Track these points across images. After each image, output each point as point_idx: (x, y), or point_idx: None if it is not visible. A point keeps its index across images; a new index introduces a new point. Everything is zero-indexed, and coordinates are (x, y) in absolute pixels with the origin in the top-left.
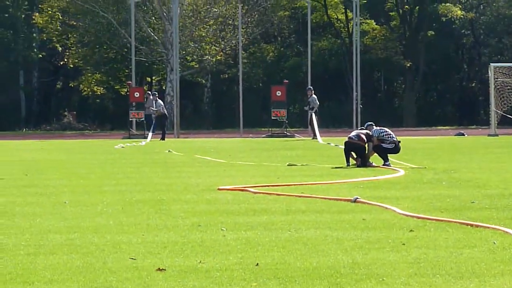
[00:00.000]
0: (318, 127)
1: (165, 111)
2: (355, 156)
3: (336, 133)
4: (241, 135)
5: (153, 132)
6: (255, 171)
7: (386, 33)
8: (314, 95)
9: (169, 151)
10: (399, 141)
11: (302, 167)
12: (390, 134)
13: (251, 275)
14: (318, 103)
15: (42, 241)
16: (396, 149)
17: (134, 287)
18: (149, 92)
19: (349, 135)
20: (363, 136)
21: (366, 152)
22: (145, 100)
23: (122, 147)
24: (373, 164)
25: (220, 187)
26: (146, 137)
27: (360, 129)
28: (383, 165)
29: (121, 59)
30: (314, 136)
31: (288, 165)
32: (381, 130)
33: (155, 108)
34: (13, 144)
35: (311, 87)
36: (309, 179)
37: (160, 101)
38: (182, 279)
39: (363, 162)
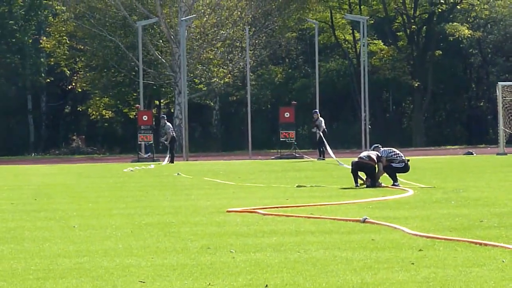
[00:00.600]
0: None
1: (174, 133)
2: (364, 177)
3: (344, 153)
4: (250, 157)
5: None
6: (264, 193)
7: (393, 53)
8: (320, 118)
9: (178, 174)
10: (408, 160)
11: (311, 188)
12: (398, 154)
13: None
14: (324, 125)
15: (51, 266)
16: (405, 168)
17: None
18: (164, 116)
19: (359, 156)
20: (374, 157)
21: (376, 172)
22: (163, 124)
23: (131, 170)
24: (382, 184)
25: (229, 209)
26: (154, 160)
27: (369, 151)
28: (392, 185)
29: (129, 82)
30: (320, 157)
31: (297, 186)
32: (389, 151)
33: (166, 129)
34: (22, 169)
35: (317, 110)
36: (318, 200)
37: (168, 123)
38: None
39: (373, 182)
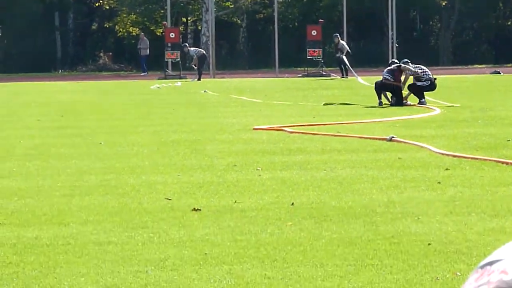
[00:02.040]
0: (351, 67)
1: (202, 52)
2: (390, 96)
3: (372, 72)
4: (276, 74)
5: (145, 71)
6: (291, 111)
7: None
8: (341, 41)
9: (205, 91)
10: (435, 78)
11: (338, 106)
12: (425, 72)
13: (286, 214)
14: (347, 47)
15: (77, 183)
16: (432, 86)
17: (170, 227)
18: (186, 44)
19: (383, 75)
20: (398, 74)
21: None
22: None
23: (158, 87)
24: (409, 102)
25: (256, 127)
26: (182, 78)
27: (389, 65)
28: (419, 103)
29: (157, 0)
30: (343, 75)
31: (324, 104)
32: (417, 68)
33: (192, 55)
34: (48, 86)
35: (337, 34)
36: (344, 118)
37: (192, 48)
38: (217, 219)
39: (398, 101)
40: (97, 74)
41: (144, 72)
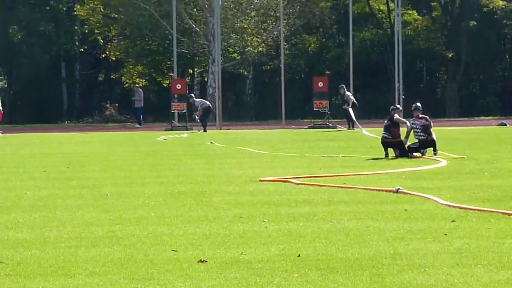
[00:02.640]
0: (358, 118)
1: (208, 104)
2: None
3: (378, 123)
4: (283, 126)
5: (140, 124)
6: (297, 162)
7: (428, 24)
8: (347, 92)
9: (211, 142)
10: (429, 135)
11: (344, 158)
12: (418, 132)
13: (293, 266)
14: (353, 98)
15: (83, 234)
16: (421, 147)
17: (176, 279)
18: (192, 95)
19: (382, 134)
20: (395, 130)
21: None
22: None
23: (164, 139)
24: (415, 154)
25: (262, 178)
26: (188, 129)
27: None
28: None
29: (163, 51)
30: (350, 127)
31: (322, 156)
32: (413, 124)
33: (196, 106)
34: (55, 137)
35: (343, 85)
36: (351, 170)
37: (198, 99)
38: (224, 271)
39: (403, 153)
40: (103, 125)
41: (139, 124)
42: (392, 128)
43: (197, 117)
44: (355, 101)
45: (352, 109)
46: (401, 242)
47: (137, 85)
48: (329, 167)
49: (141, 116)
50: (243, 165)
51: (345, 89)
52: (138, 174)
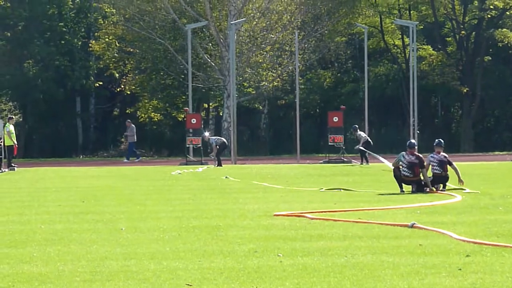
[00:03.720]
0: (376, 152)
1: (223, 139)
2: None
3: (393, 158)
4: (298, 161)
5: (127, 159)
6: (312, 197)
7: (442, 59)
8: (359, 132)
9: (226, 177)
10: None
11: (359, 192)
12: (435, 166)
13: None
14: (366, 136)
15: (98, 268)
16: (436, 181)
17: None
18: (205, 135)
19: (403, 170)
20: (418, 169)
21: (422, 178)
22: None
23: (179, 173)
24: (428, 189)
25: (277, 213)
26: (203, 164)
27: (408, 153)
28: (441, 190)
29: (178, 85)
30: (362, 162)
31: (320, 189)
32: (431, 159)
33: (211, 143)
34: (69, 171)
35: (356, 126)
36: (365, 205)
37: (212, 137)
38: None
39: (420, 188)
40: (118, 159)
41: (128, 159)
42: (416, 167)
43: (212, 156)
44: (369, 139)
45: (367, 146)
46: (415, 277)
47: (128, 120)
48: (344, 202)
49: (133, 152)
50: (258, 200)
51: (357, 130)
52: (152, 209)
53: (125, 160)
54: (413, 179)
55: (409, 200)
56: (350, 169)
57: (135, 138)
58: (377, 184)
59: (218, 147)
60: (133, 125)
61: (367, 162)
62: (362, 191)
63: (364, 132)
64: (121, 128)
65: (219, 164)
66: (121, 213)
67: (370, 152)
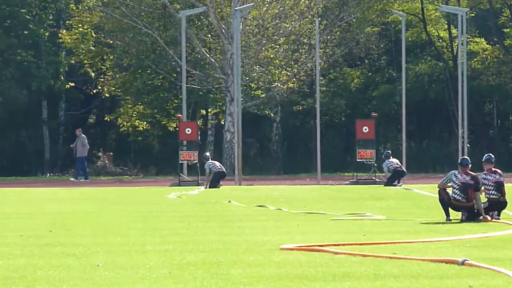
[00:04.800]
0: (411, 172)
1: (218, 167)
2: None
3: (437, 178)
4: (318, 181)
5: (75, 178)
6: (336, 227)
7: (499, 54)
8: (391, 159)
9: (229, 201)
10: (501, 195)
11: (394, 221)
12: (489, 188)
13: None
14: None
15: None
16: (492, 207)
17: None
18: (207, 155)
19: (453, 193)
20: (471, 191)
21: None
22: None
23: (178, 196)
24: (482, 217)
25: (292, 246)
26: (200, 184)
27: (462, 165)
28: (496, 218)
29: (169, 86)
30: (399, 182)
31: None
32: (485, 180)
33: (205, 168)
34: (35, 193)
35: (390, 152)
36: (402, 236)
37: (210, 161)
38: None
39: (471, 216)
40: (94, 179)
41: (75, 178)
42: (470, 189)
43: (204, 185)
44: (396, 166)
45: (396, 177)
46: None
47: (79, 129)
48: (376, 233)
49: (83, 169)
50: (268, 230)
51: (390, 157)
52: (137, 240)
53: (72, 179)
54: (465, 205)
55: (457, 231)
56: (384, 191)
57: (86, 152)
58: (417, 211)
59: (213, 176)
60: (83, 136)
61: (399, 182)
62: (398, 219)
63: (401, 147)
64: (98, 139)
65: (208, 187)
66: (98, 245)
67: (395, 183)
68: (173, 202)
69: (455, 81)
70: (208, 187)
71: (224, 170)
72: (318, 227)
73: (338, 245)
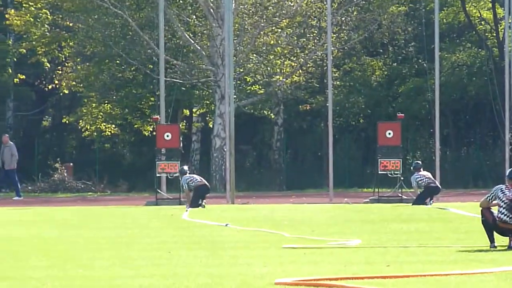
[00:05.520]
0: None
1: (197, 181)
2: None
3: (478, 195)
4: (331, 199)
5: (19, 196)
6: (352, 255)
7: None
8: (421, 172)
9: (227, 225)
10: None
11: (425, 249)
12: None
13: None
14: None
15: None
16: None
17: None
18: (184, 169)
19: (499, 213)
20: None
21: None
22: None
23: (171, 215)
24: None
25: (296, 279)
26: (182, 203)
27: (510, 187)
28: None
29: (144, 80)
30: (431, 200)
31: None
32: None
33: (181, 184)
34: None
35: (419, 163)
36: (435, 267)
37: (187, 175)
38: None
39: None
40: (50, 196)
41: (19, 196)
42: None
43: (187, 206)
44: (432, 183)
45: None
46: None
47: (6, 135)
48: (403, 263)
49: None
50: (268, 259)
51: (420, 169)
52: (104, 273)
53: (16, 198)
54: None
55: (504, 260)
56: (412, 211)
57: (15, 164)
58: (454, 235)
59: (191, 192)
60: (11, 143)
61: (431, 199)
62: (430, 246)
63: (434, 156)
64: (55, 147)
65: (190, 206)
66: (55, 279)
67: (424, 202)
68: (149, 225)
69: (501, 74)
70: (189, 206)
71: (206, 183)
72: (331, 256)
73: (354, 278)
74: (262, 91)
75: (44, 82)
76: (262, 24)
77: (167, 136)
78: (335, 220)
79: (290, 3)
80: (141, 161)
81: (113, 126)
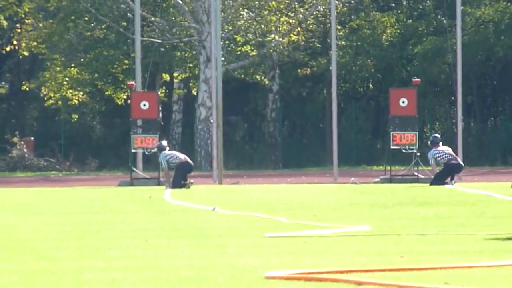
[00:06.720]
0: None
1: (178, 157)
2: None
3: (507, 174)
4: (335, 178)
5: None
6: (360, 245)
7: None
8: (436, 149)
9: (214, 208)
10: None
11: (444, 238)
12: None
13: None
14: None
15: None
16: None
17: None
18: (163, 144)
19: None
20: None
21: None
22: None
23: (150, 196)
24: None
25: (293, 272)
26: (161, 183)
27: None
28: None
29: (117, 40)
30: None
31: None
32: None
33: (159, 161)
34: None
35: (438, 136)
36: (456, 259)
37: (164, 152)
38: None
39: None
40: (8, 175)
41: None
42: None
43: (166, 185)
44: (453, 159)
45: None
46: None
47: None
48: (418, 253)
49: None
50: (261, 250)
51: (439, 144)
52: (69, 266)
53: None
54: None
55: None
56: (431, 193)
57: None
58: (479, 221)
59: (172, 170)
60: None
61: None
62: (450, 233)
63: (456, 128)
64: (13, 118)
65: (170, 187)
66: (14, 273)
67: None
68: (123, 209)
69: None
70: (170, 187)
71: (188, 160)
72: (336, 246)
73: (362, 271)
74: (254, 53)
75: (0, 43)
76: None
77: (144, 105)
78: (340, 204)
79: None
80: (113, 134)
81: (81, 93)
